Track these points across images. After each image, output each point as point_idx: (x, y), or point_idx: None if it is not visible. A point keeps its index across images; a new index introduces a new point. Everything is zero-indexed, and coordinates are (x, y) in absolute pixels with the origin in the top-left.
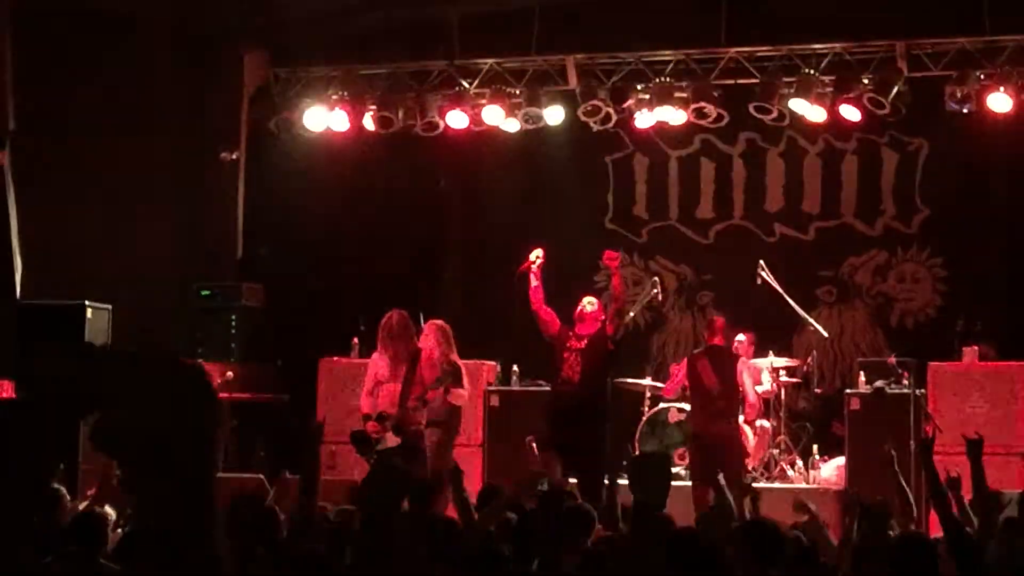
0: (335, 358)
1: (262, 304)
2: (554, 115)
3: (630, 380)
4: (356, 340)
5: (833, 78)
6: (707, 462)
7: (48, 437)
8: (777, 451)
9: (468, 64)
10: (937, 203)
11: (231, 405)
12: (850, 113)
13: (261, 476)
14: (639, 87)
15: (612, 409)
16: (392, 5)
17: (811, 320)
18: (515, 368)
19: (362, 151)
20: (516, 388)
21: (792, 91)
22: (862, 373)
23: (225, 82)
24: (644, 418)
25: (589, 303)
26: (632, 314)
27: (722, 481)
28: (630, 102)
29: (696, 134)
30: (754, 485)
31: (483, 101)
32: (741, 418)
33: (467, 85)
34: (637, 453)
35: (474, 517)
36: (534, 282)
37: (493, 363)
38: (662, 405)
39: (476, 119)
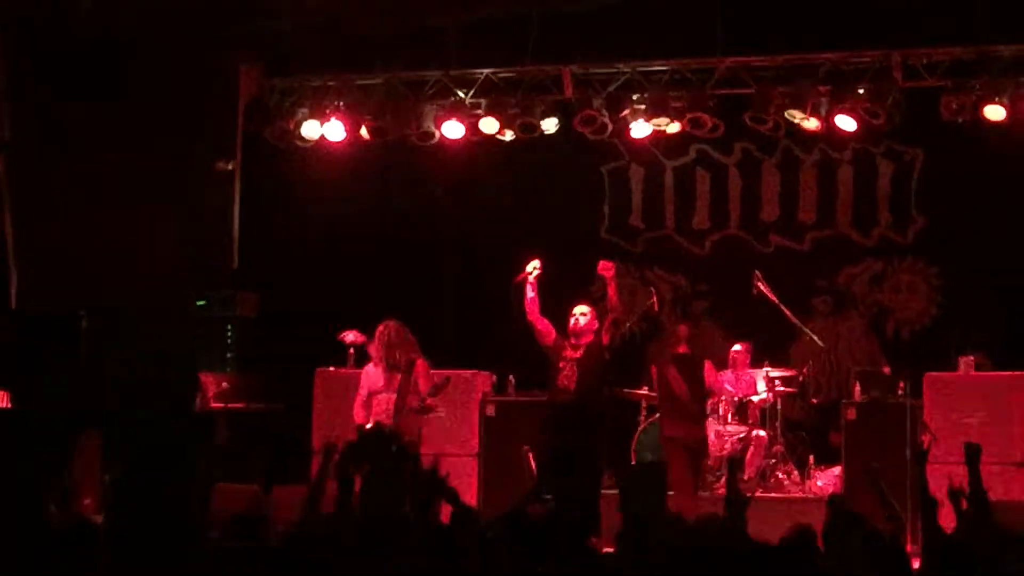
0: (331, 368)
1: (257, 314)
2: (550, 125)
3: (626, 389)
4: (352, 350)
5: (829, 88)
6: (684, 467)
7: (44, 448)
8: (773, 461)
9: (464, 74)
10: (933, 213)
11: (226, 415)
12: (846, 123)
13: (256, 487)
14: (635, 97)
15: (608, 418)
16: (387, 15)
17: (807, 330)
18: (511, 378)
19: (358, 161)
20: (512, 398)
21: (788, 101)
22: (858, 383)
23: (220, 92)
24: (641, 427)
25: (581, 314)
26: (628, 324)
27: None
28: (626, 112)
29: (692, 144)
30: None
31: (479, 111)
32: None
33: (463, 95)
34: (634, 463)
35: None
36: (530, 293)
37: (489, 373)
38: (659, 414)
39: (472, 129)
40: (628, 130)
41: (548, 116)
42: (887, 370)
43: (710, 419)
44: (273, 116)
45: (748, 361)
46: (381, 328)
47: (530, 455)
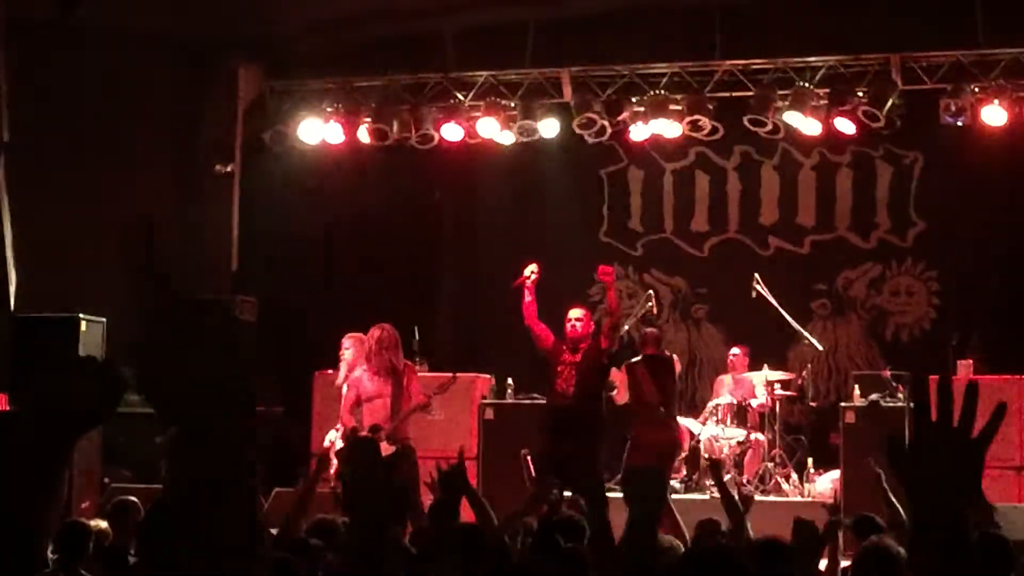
0: (329, 371)
1: (256, 317)
2: (549, 128)
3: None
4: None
5: (828, 91)
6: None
7: (42, 452)
8: (772, 464)
9: (463, 77)
10: (932, 216)
11: None
12: (845, 126)
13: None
14: (634, 100)
15: (607, 422)
16: (387, 18)
17: (806, 333)
18: (510, 381)
19: (357, 164)
20: (511, 401)
21: (787, 104)
22: (857, 386)
23: (220, 95)
24: None
25: (577, 320)
26: (627, 327)
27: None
28: (625, 115)
29: (691, 147)
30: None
31: (478, 114)
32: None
33: (462, 98)
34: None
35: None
36: (528, 297)
37: (488, 376)
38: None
39: (471, 132)
40: (627, 133)
41: (547, 119)
42: (886, 373)
43: (707, 423)
44: (272, 119)
45: (747, 364)
46: (376, 332)
47: (528, 459)
